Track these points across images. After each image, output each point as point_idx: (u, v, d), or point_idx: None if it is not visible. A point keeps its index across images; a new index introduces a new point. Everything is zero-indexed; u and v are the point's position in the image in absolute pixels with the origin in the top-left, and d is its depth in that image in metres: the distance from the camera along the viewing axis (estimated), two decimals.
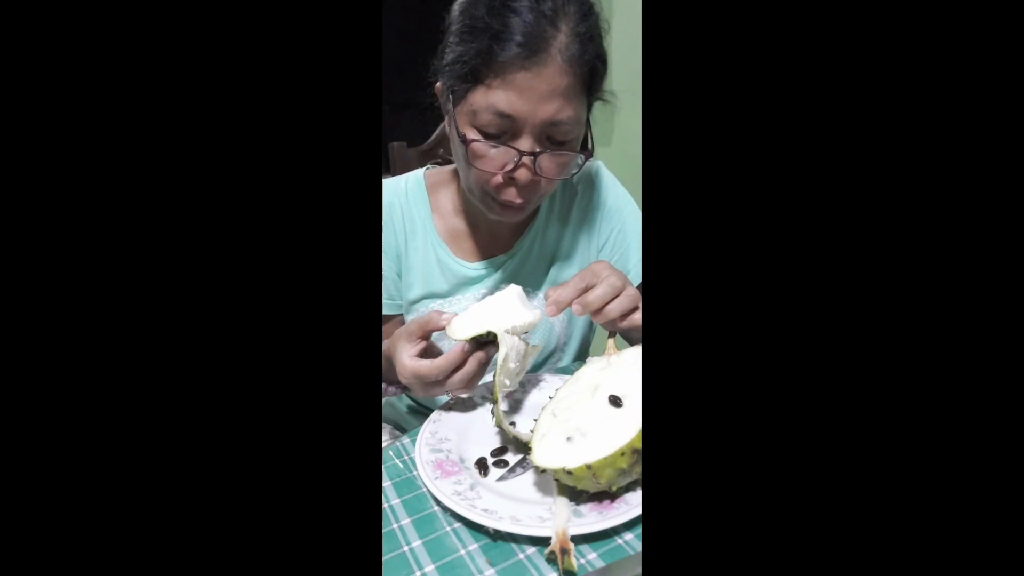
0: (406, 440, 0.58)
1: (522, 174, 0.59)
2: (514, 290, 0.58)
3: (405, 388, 0.68)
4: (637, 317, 0.55)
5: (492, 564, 0.42)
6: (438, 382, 0.54)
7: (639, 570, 0.39)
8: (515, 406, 0.62)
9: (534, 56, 0.54)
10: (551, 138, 0.58)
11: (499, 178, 0.60)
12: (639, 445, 0.43)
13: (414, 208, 0.75)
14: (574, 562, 0.40)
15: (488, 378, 0.59)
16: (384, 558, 0.43)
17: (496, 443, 0.55)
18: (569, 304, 0.54)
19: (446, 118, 0.63)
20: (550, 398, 0.51)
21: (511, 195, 0.61)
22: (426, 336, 0.57)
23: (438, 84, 0.62)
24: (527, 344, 0.56)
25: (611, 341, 0.55)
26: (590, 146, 0.64)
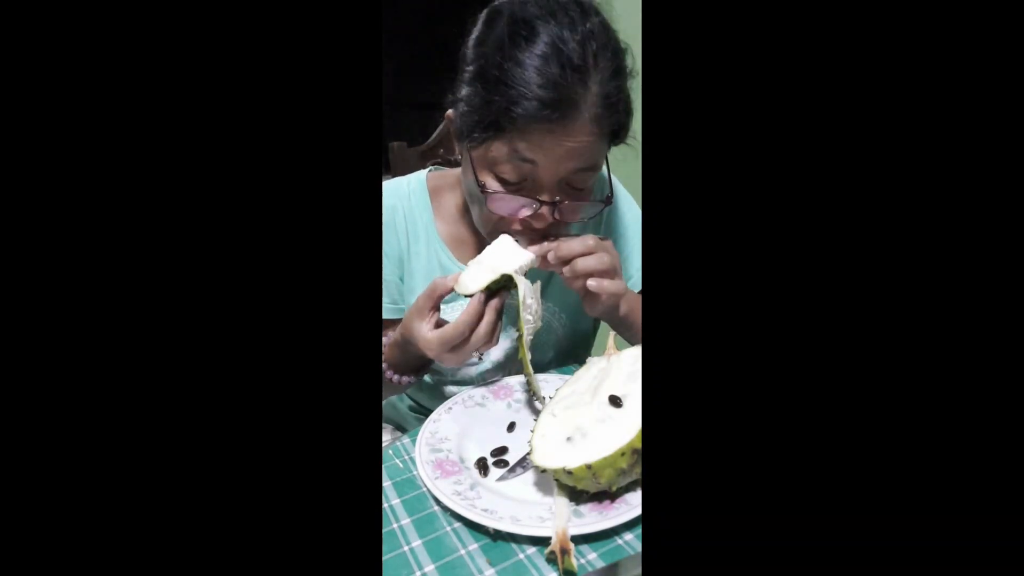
0: (406, 440, 0.58)
1: (540, 220, 0.58)
2: (505, 238, 0.59)
3: (419, 379, 0.67)
4: (606, 283, 0.56)
5: (492, 564, 0.42)
6: (464, 340, 0.55)
7: (639, 570, 0.39)
8: (515, 406, 0.62)
9: (561, 118, 0.51)
10: (571, 184, 0.57)
11: (517, 224, 0.59)
12: (639, 445, 0.43)
13: (416, 212, 0.74)
14: (574, 562, 0.40)
15: (488, 366, 0.58)
16: (384, 558, 0.43)
17: (496, 443, 0.55)
18: (568, 259, 0.56)
19: (457, 147, 0.62)
20: (550, 398, 0.51)
21: (526, 237, 0.60)
22: (436, 306, 0.58)
23: (450, 112, 0.60)
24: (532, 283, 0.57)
25: (611, 341, 0.55)
26: (609, 191, 0.64)
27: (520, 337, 0.56)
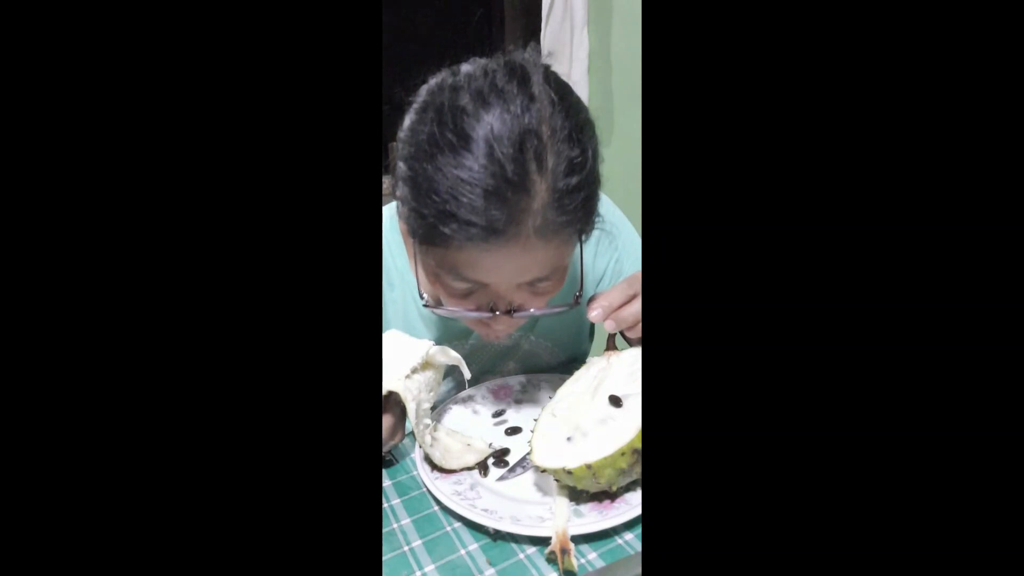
0: (406, 440, 0.58)
1: (501, 324, 0.50)
2: (393, 335, 0.54)
3: None
4: None
5: (492, 564, 0.42)
6: None
7: (639, 570, 0.39)
8: (515, 406, 0.62)
9: (498, 238, 0.41)
10: (533, 290, 0.48)
11: (477, 325, 0.52)
12: (639, 445, 0.43)
13: (389, 258, 0.65)
14: (574, 562, 0.40)
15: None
16: (384, 558, 0.43)
17: (497, 444, 0.55)
18: (615, 310, 0.48)
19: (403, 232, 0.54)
20: (550, 398, 0.51)
21: (492, 336, 0.54)
22: None
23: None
24: (435, 368, 0.53)
25: (611, 341, 0.55)
26: (579, 291, 0.53)
27: (421, 444, 0.51)
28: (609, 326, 0.48)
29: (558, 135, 0.41)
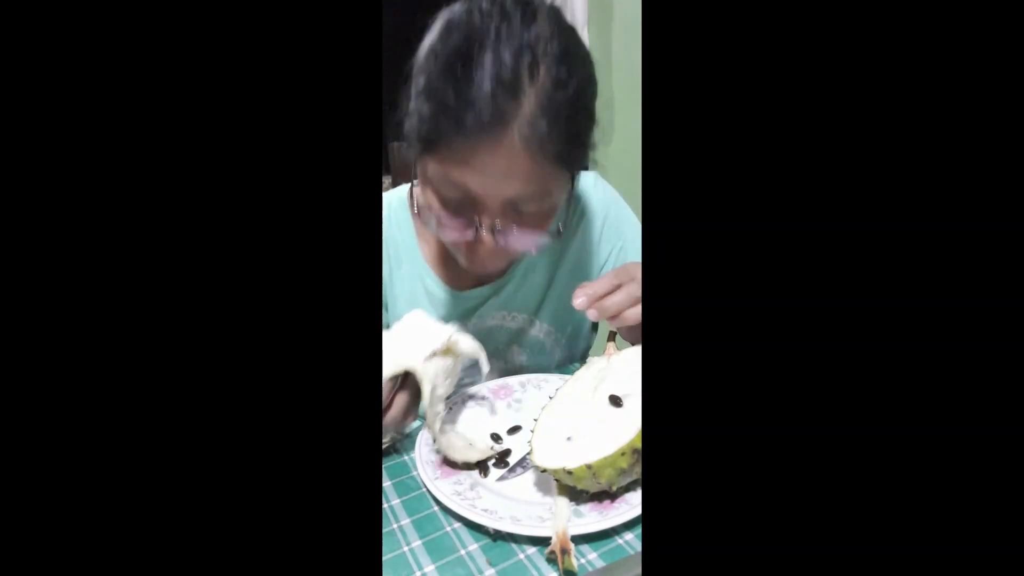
0: (406, 440, 0.58)
1: (484, 247, 0.53)
2: (417, 315, 0.54)
3: None
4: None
5: (492, 564, 0.42)
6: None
7: (639, 570, 0.39)
8: (516, 406, 0.62)
9: (488, 136, 0.46)
10: (517, 209, 0.51)
11: (463, 246, 0.55)
12: (639, 445, 0.43)
13: (398, 234, 0.70)
14: (574, 562, 0.40)
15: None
16: (384, 558, 0.43)
17: (499, 446, 0.55)
18: (599, 299, 0.50)
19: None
20: (550, 398, 0.51)
21: (477, 264, 0.56)
22: None
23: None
24: (455, 355, 0.53)
25: (611, 341, 0.55)
26: (561, 224, 0.55)
27: (432, 430, 0.52)
28: (592, 315, 0.50)
29: (552, 58, 0.46)
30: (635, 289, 0.51)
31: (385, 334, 0.51)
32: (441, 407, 0.52)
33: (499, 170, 0.47)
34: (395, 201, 0.71)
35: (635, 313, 0.50)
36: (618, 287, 0.51)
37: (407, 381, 0.52)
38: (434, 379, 0.50)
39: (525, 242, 0.54)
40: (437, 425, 0.52)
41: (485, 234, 0.52)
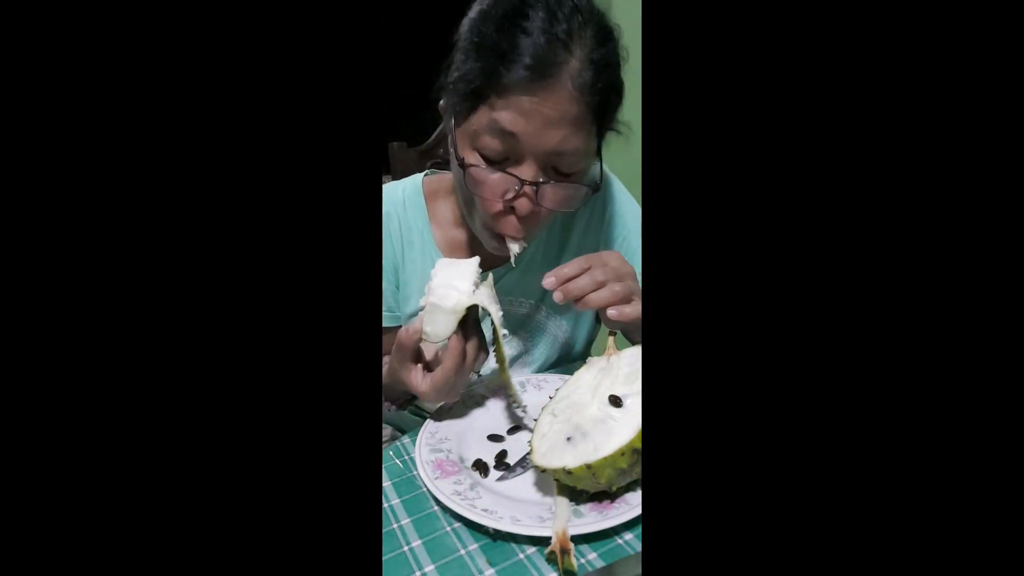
0: (406, 440, 0.58)
1: (522, 204, 0.56)
2: (443, 263, 0.56)
3: (404, 405, 0.67)
4: (628, 310, 0.53)
5: (492, 564, 0.42)
6: (460, 376, 0.54)
7: (639, 570, 0.39)
8: (515, 406, 0.62)
9: (542, 80, 0.51)
10: (556, 168, 0.55)
11: (499, 206, 0.57)
12: (639, 445, 0.43)
13: (412, 219, 0.73)
14: (574, 562, 0.40)
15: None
16: (384, 558, 0.43)
17: (497, 443, 0.55)
18: (566, 280, 0.53)
19: (448, 137, 0.61)
20: (550, 398, 0.51)
21: (510, 226, 0.58)
22: (417, 355, 0.56)
23: (441, 102, 0.60)
24: (488, 284, 0.56)
25: (611, 341, 0.55)
26: (599, 179, 0.61)
27: (499, 354, 0.55)
28: (557, 297, 0.53)
29: (595, 20, 0.54)
30: (600, 274, 0.53)
31: (427, 298, 0.54)
32: (507, 332, 0.56)
33: (550, 114, 0.52)
34: (409, 187, 0.75)
35: (598, 298, 0.53)
36: (587, 269, 0.53)
37: (468, 322, 0.55)
38: (492, 303, 0.54)
39: (562, 199, 0.57)
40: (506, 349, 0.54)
41: (527, 188, 0.55)
